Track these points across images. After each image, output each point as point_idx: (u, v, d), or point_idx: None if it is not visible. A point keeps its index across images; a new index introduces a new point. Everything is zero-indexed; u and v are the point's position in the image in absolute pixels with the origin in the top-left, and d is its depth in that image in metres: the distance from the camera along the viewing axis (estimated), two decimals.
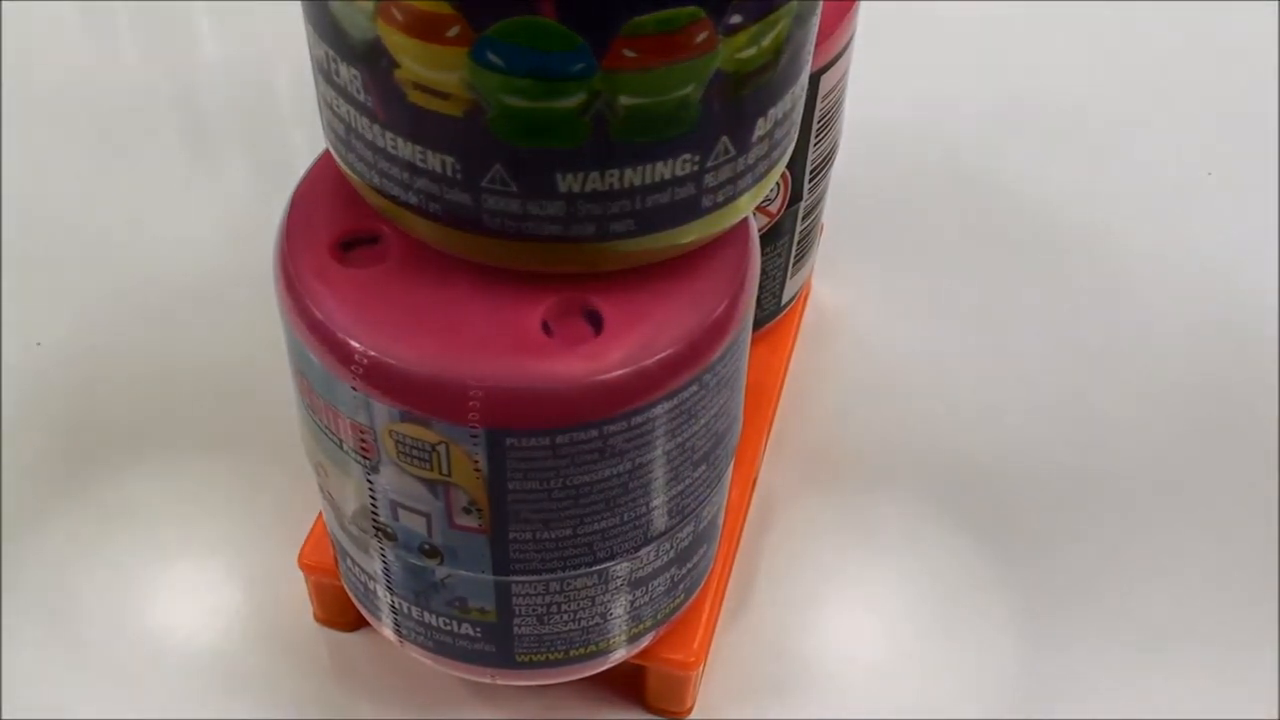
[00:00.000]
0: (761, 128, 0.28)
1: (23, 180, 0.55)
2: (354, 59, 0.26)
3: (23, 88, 0.59)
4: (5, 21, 0.63)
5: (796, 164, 0.40)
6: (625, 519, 0.31)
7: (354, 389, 0.29)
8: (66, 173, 0.56)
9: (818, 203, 0.43)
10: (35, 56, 0.61)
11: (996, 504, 0.45)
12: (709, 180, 0.28)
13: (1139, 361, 0.50)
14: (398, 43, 0.25)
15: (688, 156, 0.27)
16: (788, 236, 0.42)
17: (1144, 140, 0.59)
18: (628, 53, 0.25)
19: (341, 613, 0.40)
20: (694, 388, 0.29)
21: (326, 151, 0.31)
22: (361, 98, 0.27)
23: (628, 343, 0.28)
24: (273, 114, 0.59)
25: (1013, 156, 0.58)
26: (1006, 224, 0.55)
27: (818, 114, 0.39)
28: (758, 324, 0.45)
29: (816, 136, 0.40)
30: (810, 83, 0.37)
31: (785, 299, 0.45)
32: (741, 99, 0.27)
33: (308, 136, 0.56)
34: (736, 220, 0.30)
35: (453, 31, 0.24)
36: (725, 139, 0.27)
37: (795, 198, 0.41)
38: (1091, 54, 0.64)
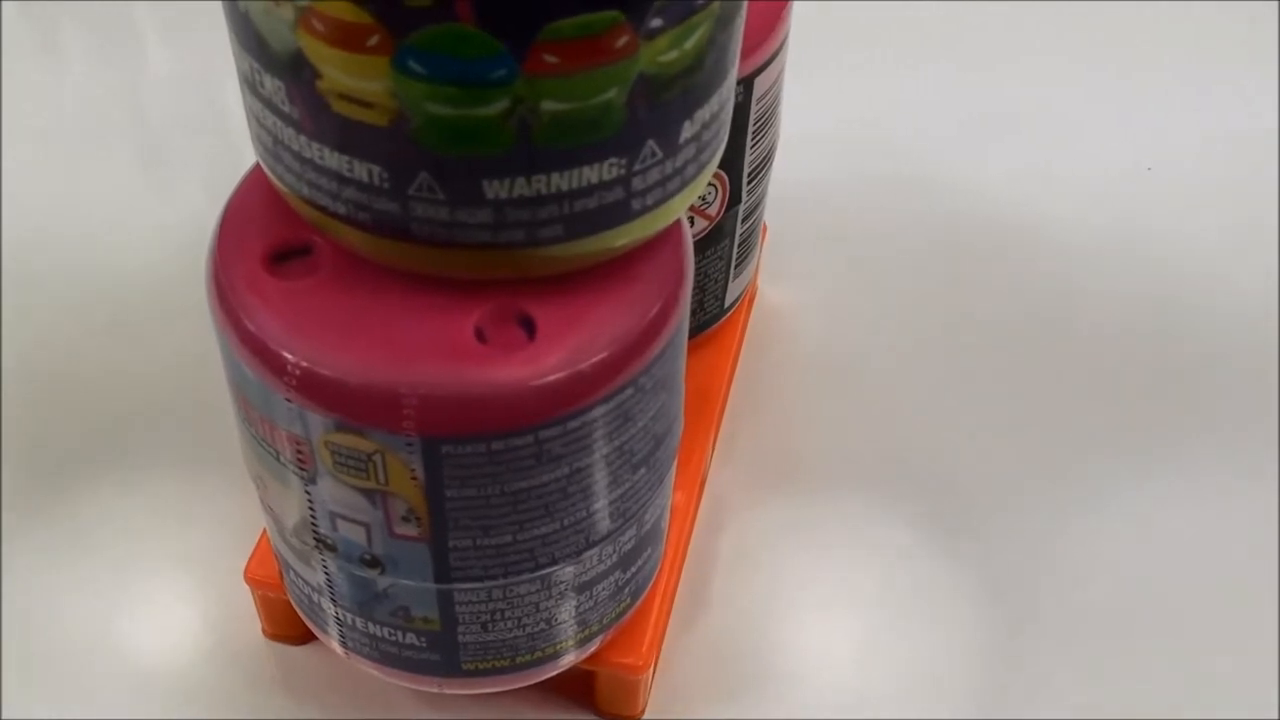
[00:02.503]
0: (688, 130, 0.28)
1: None
2: (277, 70, 0.26)
3: None
4: None
5: (734, 167, 0.40)
6: (566, 524, 0.31)
7: (288, 400, 0.29)
8: (16, 190, 0.55)
9: (758, 204, 0.43)
10: None
11: (946, 501, 0.45)
12: (637, 184, 0.28)
13: (1084, 357, 0.50)
14: (319, 53, 0.25)
15: (614, 160, 0.27)
16: (728, 239, 0.42)
17: (1088, 137, 0.59)
18: (549, 58, 0.25)
19: (290, 626, 0.40)
20: (630, 391, 0.30)
21: (258, 164, 0.31)
22: (286, 109, 0.27)
23: (562, 347, 0.28)
24: (223, 126, 0.59)
25: (956, 155, 0.58)
26: (950, 222, 0.55)
27: (753, 116, 0.39)
28: (702, 326, 0.45)
29: (753, 139, 0.40)
30: (745, 86, 0.38)
31: (729, 301, 0.45)
32: (666, 102, 0.27)
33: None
34: (668, 223, 0.30)
35: (373, 40, 0.25)
36: (652, 142, 0.27)
37: (734, 200, 0.41)
38: (1035, 51, 0.64)
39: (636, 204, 0.28)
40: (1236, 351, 0.50)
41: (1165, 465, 0.46)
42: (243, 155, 0.57)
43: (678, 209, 0.30)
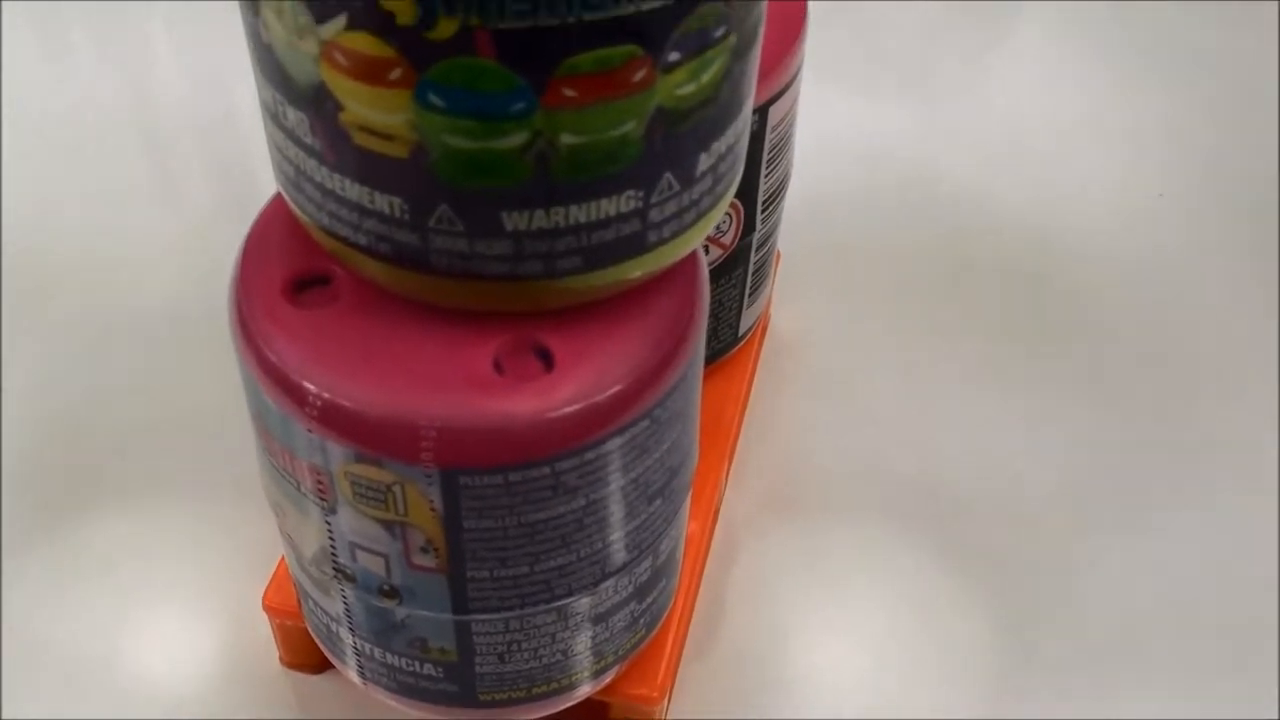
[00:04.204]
0: (705, 162, 0.28)
1: None
2: (300, 103, 0.26)
3: None
4: None
5: (748, 195, 0.40)
6: (582, 555, 0.31)
7: (309, 431, 0.29)
8: (28, 209, 0.56)
9: (771, 233, 0.43)
10: None
11: (960, 529, 0.45)
12: (654, 215, 0.28)
13: (1101, 384, 0.50)
14: (342, 86, 0.25)
15: (632, 193, 0.27)
16: (742, 267, 0.42)
17: (1099, 163, 0.60)
18: (567, 91, 0.25)
19: (307, 655, 0.40)
20: (646, 422, 0.30)
21: (279, 193, 0.31)
22: (309, 140, 0.27)
23: (578, 379, 0.28)
24: (235, 143, 0.59)
25: (969, 182, 0.58)
26: (963, 249, 0.55)
27: (767, 145, 0.39)
28: (716, 355, 0.45)
29: (768, 168, 0.40)
30: (759, 115, 0.38)
31: (743, 329, 0.45)
32: (683, 135, 0.27)
33: (269, 165, 0.56)
34: (685, 254, 0.30)
35: (395, 74, 0.25)
36: (669, 175, 0.27)
37: (749, 229, 0.41)
38: (1044, 81, 0.64)
39: (653, 235, 0.28)
40: (1252, 378, 0.50)
41: (1180, 493, 0.46)
42: (256, 172, 0.58)
43: (694, 240, 0.30)
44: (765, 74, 0.36)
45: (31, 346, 0.50)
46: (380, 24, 0.24)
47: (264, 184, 0.55)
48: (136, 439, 0.47)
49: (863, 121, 0.61)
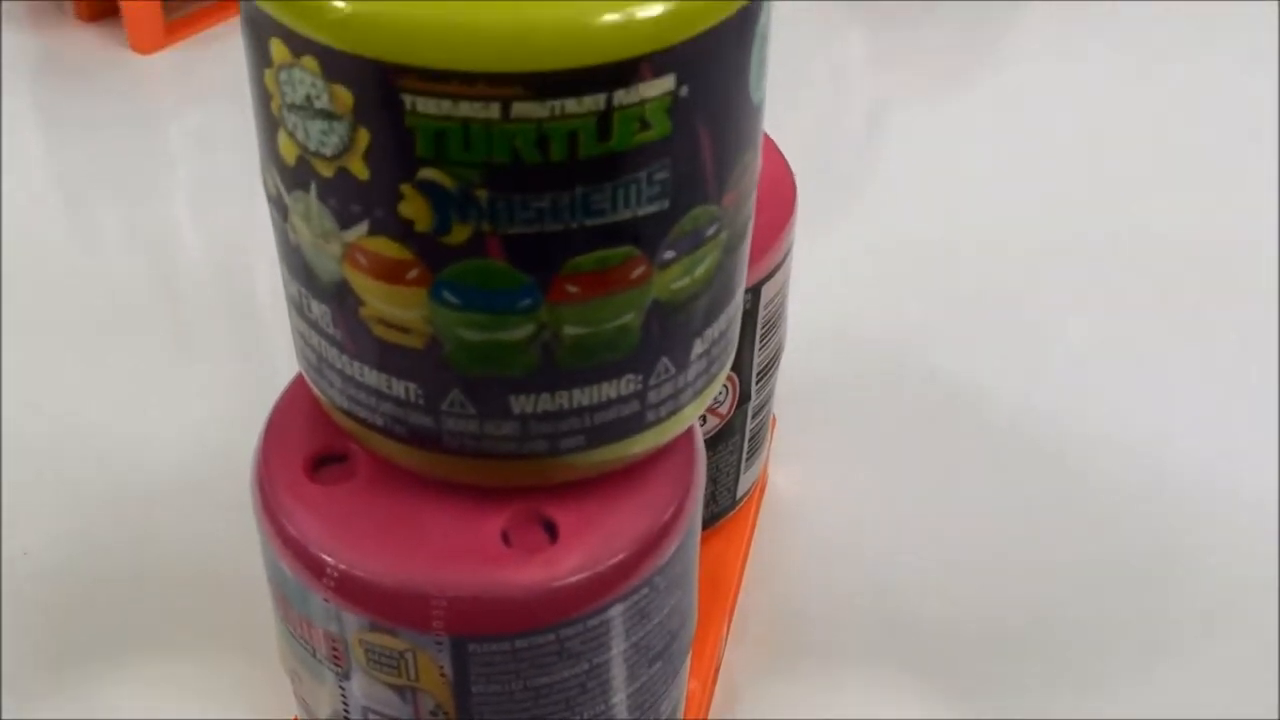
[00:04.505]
0: (699, 347, 0.30)
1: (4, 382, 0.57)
2: (324, 297, 0.29)
3: (6, 285, 0.62)
4: None
5: (743, 368, 0.42)
6: (585, 716, 0.33)
7: (326, 600, 0.30)
8: (48, 375, 0.58)
9: (766, 401, 0.45)
10: (18, 251, 0.64)
11: (961, 683, 0.46)
12: (652, 397, 0.30)
13: (1097, 541, 0.51)
14: (363, 284, 0.28)
15: (631, 377, 0.29)
16: (738, 435, 0.44)
17: (1082, 325, 0.62)
18: (570, 288, 0.27)
19: None
20: (646, 590, 0.31)
21: (299, 374, 0.33)
22: (331, 331, 0.29)
23: (582, 550, 0.30)
24: (253, 308, 0.62)
25: (958, 339, 0.60)
26: (956, 407, 0.57)
27: (761, 320, 0.41)
28: (715, 518, 0.47)
29: (761, 341, 0.42)
30: (753, 293, 0.40)
31: (740, 493, 0.47)
32: (678, 323, 0.29)
33: (285, 329, 0.58)
34: (682, 430, 0.32)
35: (412, 274, 0.27)
36: (665, 359, 0.30)
37: (744, 398, 0.43)
38: (1032, 242, 0.67)
39: (651, 415, 0.30)
40: (1243, 541, 0.52)
41: (1179, 655, 0.47)
42: (272, 338, 0.60)
43: (690, 417, 0.32)
44: (757, 256, 0.39)
45: (43, 507, 0.52)
46: (399, 230, 0.26)
47: (279, 360, 0.58)
48: (147, 601, 0.48)
49: (862, 284, 0.63)
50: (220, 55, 0.76)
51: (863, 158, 0.71)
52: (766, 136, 0.42)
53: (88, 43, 0.76)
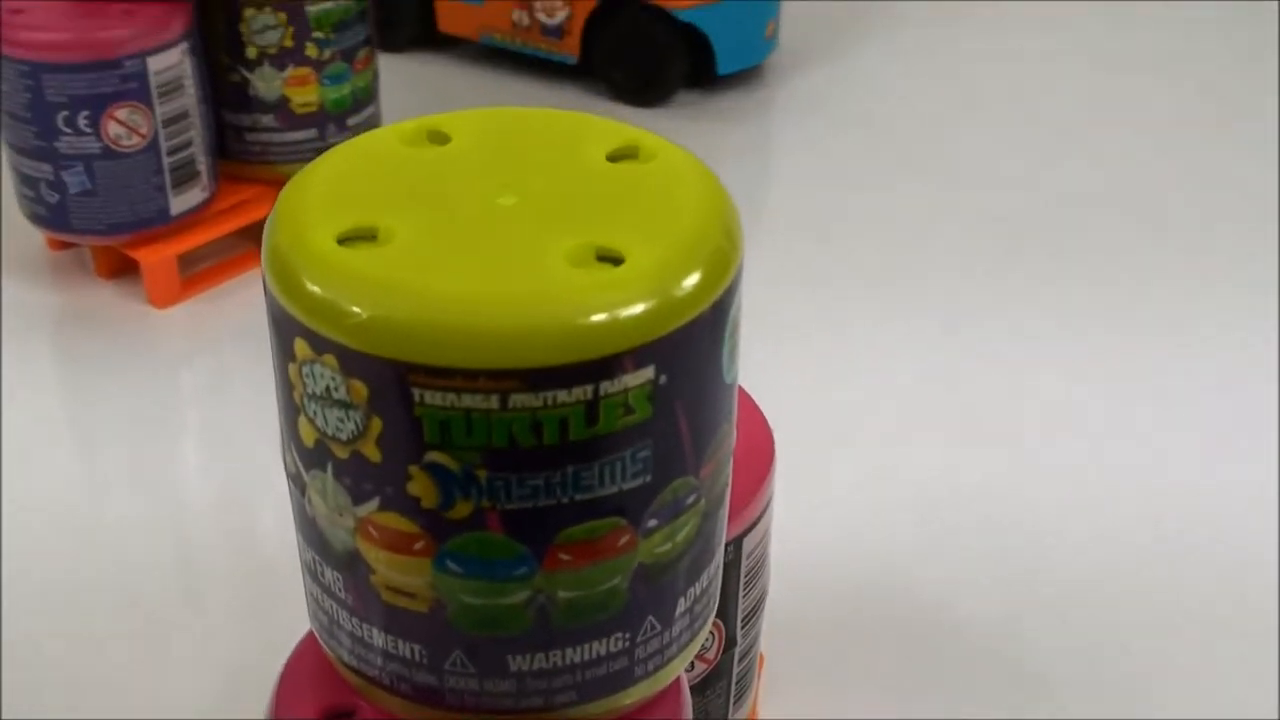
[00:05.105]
0: (683, 605, 0.33)
1: (14, 647, 0.59)
2: (337, 565, 0.31)
3: (16, 529, 0.64)
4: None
5: (729, 615, 0.44)
6: None
7: None
8: (58, 626, 0.59)
9: (753, 644, 0.47)
10: (30, 500, 0.66)
11: None
12: (640, 653, 0.32)
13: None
14: (373, 554, 0.30)
15: (619, 635, 0.32)
16: (726, 679, 0.46)
17: (1071, 557, 0.64)
18: (563, 556, 0.30)
19: None
20: None
21: (310, 631, 0.36)
22: (342, 595, 0.32)
23: None
24: (261, 560, 0.64)
25: (948, 574, 0.62)
26: (941, 642, 0.59)
27: (743, 570, 0.44)
28: None
29: (745, 589, 0.45)
30: (734, 545, 0.43)
31: None
32: (662, 584, 0.32)
33: (292, 579, 0.60)
34: (669, 682, 0.34)
35: (419, 545, 0.30)
36: (651, 618, 0.32)
37: (730, 643, 0.45)
38: (1014, 477, 0.69)
39: (639, 670, 0.33)
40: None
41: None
42: (282, 592, 0.62)
43: (677, 669, 0.34)
44: (736, 511, 0.41)
45: None
46: (408, 506, 0.29)
47: (286, 611, 0.59)
48: None
49: (839, 519, 0.65)
50: (232, 308, 0.80)
51: (846, 403, 0.75)
52: (745, 394, 0.46)
53: (107, 298, 0.80)
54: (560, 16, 1.02)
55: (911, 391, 0.74)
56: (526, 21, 1.04)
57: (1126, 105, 1.06)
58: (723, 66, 1.02)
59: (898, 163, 0.97)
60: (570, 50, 1.04)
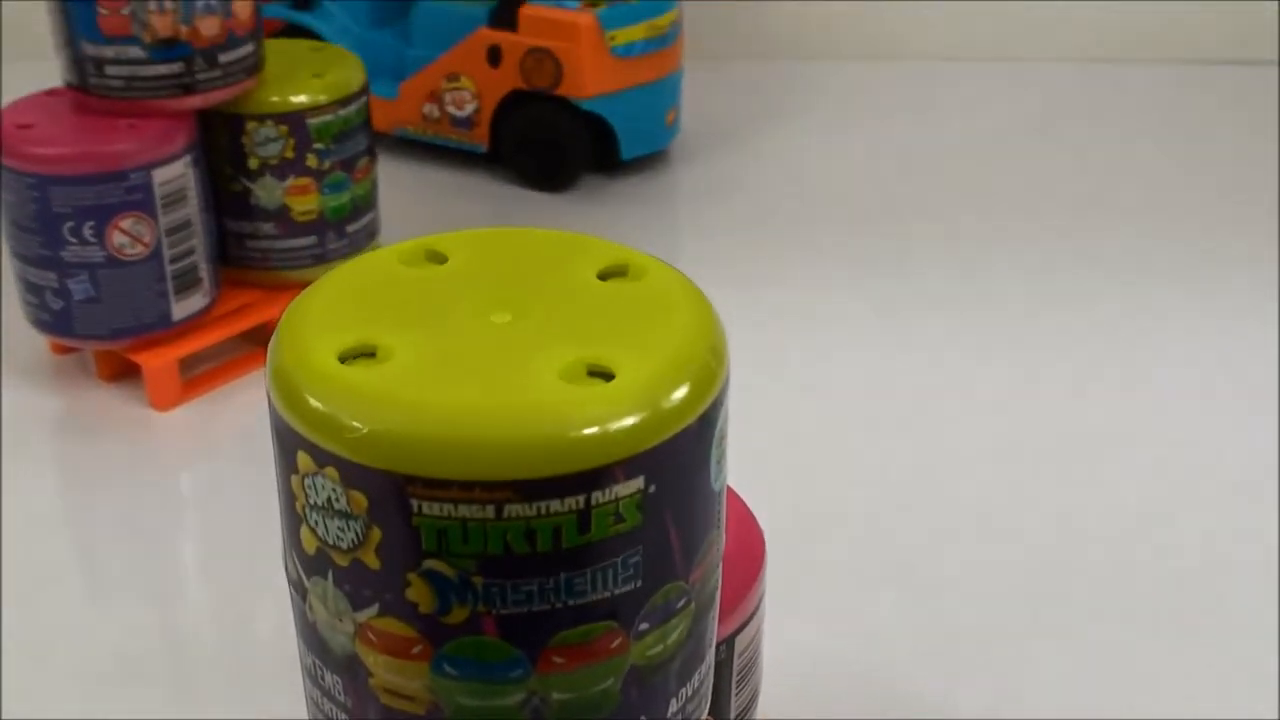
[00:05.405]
0: (674, 705, 0.34)
1: None
2: (337, 669, 0.32)
3: (15, 631, 0.64)
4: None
5: (722, 712, 0.45)
6: None
7: None
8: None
9: None
10: (26, 601, 0.66)
11: None
12: None
13: None
14: (372, 658, 0.31)
15: None
16: None
17: (1063, 657, 0.65)
18: (557, 659, 0.31)
19: None
20: None
21: None
22: (342, 699, 0.33)
23: None
24: (259, 663, 0.64)
25: (939, 674, 0.63)
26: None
27: (736, 668, 0.45)
28: None
29: (738, 686, 0.45)
30: (726, 644, 0.44)
31: None
32: (654, 685, 0.33)
33: (285, 679, 0.61)
34: None
35: (416, 649, 0.31)
36: (644, 718, 0.33)
37: None
38: (1012, 577, 0.70)
39: None
40: None
41: None
42: (269, 692, 0.62)
43: None
44: (727, 611, 0.42)
45: None
46: (406, 611, 0.30)
47: (277, 710, 0.60)
48: None
49: (832, 620, 0.66)
50: (233, 410, 0.81)
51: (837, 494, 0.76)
52: (735, 496, 0.47)
53: (109, 401, 0.81)
54: (469, 109, 1.07)
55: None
56: (437, 114, 1.08)
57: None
58: (626, 152, 1.07)
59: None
60: (480, 140, 1.08)
